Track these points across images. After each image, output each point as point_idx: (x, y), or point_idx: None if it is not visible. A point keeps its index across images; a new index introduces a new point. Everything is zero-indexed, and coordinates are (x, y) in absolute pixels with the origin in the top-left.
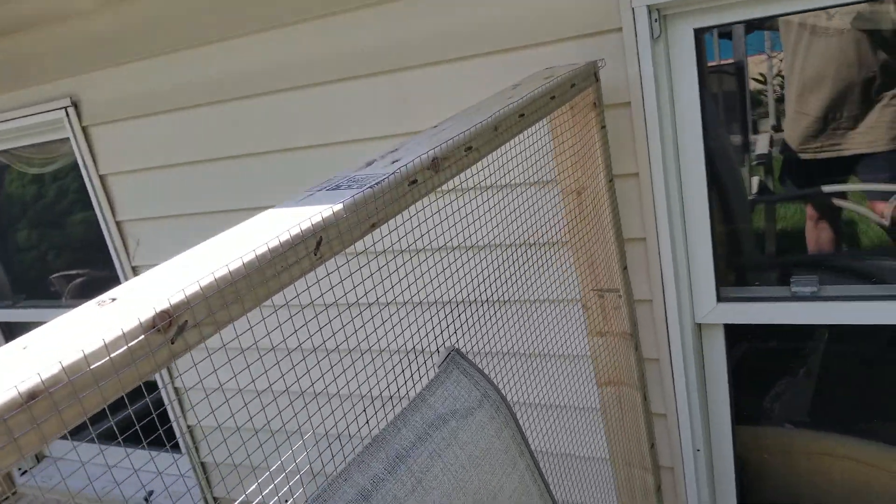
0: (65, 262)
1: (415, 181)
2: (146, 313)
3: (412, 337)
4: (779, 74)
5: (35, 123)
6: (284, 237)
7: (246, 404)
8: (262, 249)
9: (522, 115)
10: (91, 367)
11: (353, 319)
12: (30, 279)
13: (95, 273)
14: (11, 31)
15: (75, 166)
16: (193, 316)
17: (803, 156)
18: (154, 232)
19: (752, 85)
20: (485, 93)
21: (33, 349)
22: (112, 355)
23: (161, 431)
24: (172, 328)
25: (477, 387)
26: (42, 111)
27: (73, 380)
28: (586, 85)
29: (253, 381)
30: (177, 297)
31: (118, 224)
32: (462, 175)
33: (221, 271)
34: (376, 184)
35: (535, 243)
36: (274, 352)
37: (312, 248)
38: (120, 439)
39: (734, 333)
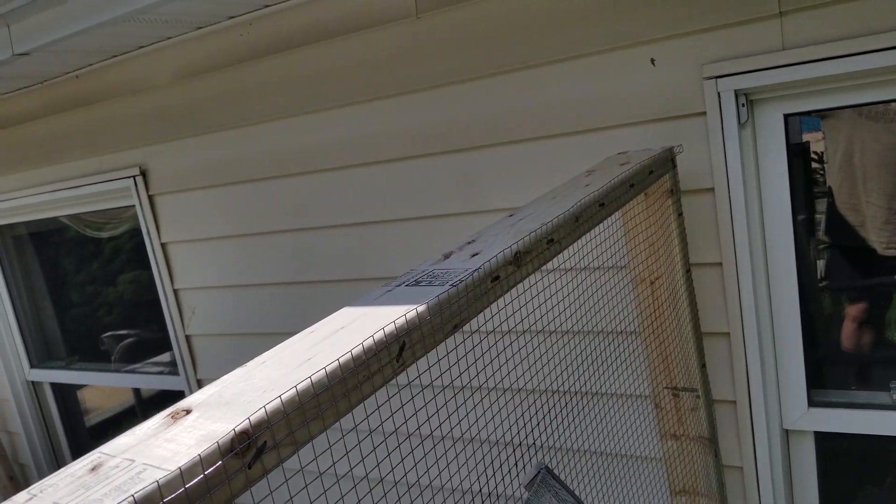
0: (116, 323)
1: (497, 277)
2: (225, 434)
3: (486, 424)
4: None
5: (104, 191)
6: (368, 343)
7: None
8: (345, 357)
9: (603, 205)
10: (164, 501)
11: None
12: (83, 339)
13: (146, 334)
14: (87, 103)
15: (136, 232)
16: (273, 436)
17: (880, 249)
18: (210, 301)
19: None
20: (555, 174)
21: (103, 471)
22: (187, 486)
23: None
24: (251, 451)
25: None
26: (112, 178)
27: None
28: (664, 171)
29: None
30: (257, 415)
31: (175, 291)
32: None
33: (303, 384)
34: (459, 281)
35: (604, 331)
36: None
37: (395, 354)
38: None
39: (825, 436)
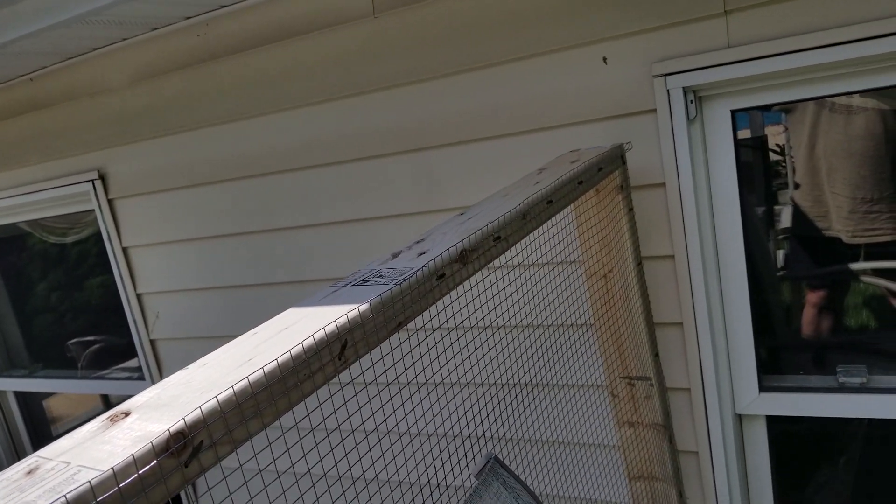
0: (82, 329)
1: (443, 275)
2: (160, 435)
3: (436, 420)
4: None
5: (62, 195)
6: (308, 342)
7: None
8: (284, 357)
9: (551, 202)
10: (98, 500)
11: (372, 400)
12: (47, 346)
13: (112, 340)
14: (43, 106)
15: (97, 236)
16: (210, 436)
17: (846, 237)
18: (173, 305)
19: (772, 157)
20: (511, 171)
21: (39, 474)
22: (121, 485)
23: None
24: (187, 450)
25: (519, 501)
26: (70, 183)
27: None
28: (613, 168)
29: (292, 466)
30: (193, 416)
31: (138, 296)
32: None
33: (241, 384)
34: (403, 280)
35: (559, 325)
36: (304, 436)
37: (337, 352)
38: None
39: (777, 420)
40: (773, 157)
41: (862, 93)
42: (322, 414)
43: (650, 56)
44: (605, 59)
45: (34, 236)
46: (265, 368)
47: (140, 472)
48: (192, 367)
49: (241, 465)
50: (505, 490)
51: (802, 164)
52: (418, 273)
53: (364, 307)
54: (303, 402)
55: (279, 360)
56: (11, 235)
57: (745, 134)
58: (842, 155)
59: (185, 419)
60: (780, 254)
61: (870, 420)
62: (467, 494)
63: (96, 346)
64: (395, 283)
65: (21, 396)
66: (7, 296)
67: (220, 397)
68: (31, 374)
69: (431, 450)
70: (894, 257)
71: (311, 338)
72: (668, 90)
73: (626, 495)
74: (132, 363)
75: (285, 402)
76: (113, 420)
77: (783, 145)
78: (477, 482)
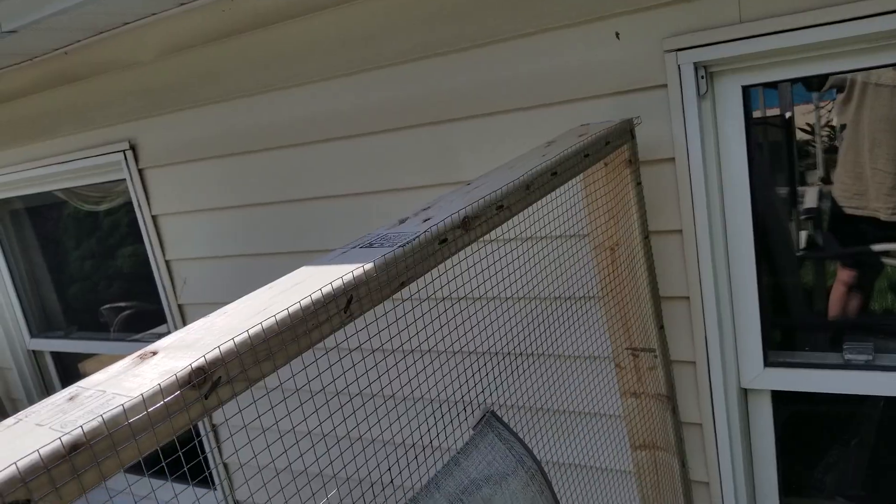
0: (115, 295)
1: (445, 240)
2: (183, 369)
3: (440, 387)
4: (828, 125)
5: (95, 165)
6: (316, 295)
7: (280, 443)
8: (294, 308)
9: (555, 174)
10: (130, 422)
11: (378, 366)
12: (81, 310)
13: (143, 306)
14: (76, 79)
15: (128, 205)
16: (227, 373)
17: (884, 215)
18: (200, 271)
19: (800, 136)
20: (525, 144)
21: (79, 399)
22: (149, 410)
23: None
24: (206, 384)
25: (512, 452)
26: (101, 153)
27: (112, 432)
28: (621, 142)
29: (293, 427)
30: (212, 354)
31: (167, 262)
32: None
33: (255, 329)
34: (407, 243)
35: (568, 297)
36: (315, 396)
37: (343, 305)
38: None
39: (783, 398)
40: (800, 135)
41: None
42: (338, 377)
43: (662, 31)
44: (617, 34)
45: (69, 205)
46: (277, 316)
47: (166, 400)
48: (212, 315)
49: (258, 416)
50: (499, 441)
51: (844, 141)
52: (421, 237)
53: (369, 266)
54: (315, 364)
55: (290, 309)
56: (47, 203)
57: (773, 111)
58: (887, 130)
59: (206, 357)
60: (802, 232)
61: (882, 401)
62: (463, 443)
63: (127, 311)
64: (399, 246)
65: (57, 358)
66: (44, 262)
67: (236, 340)
68: (67, 335)
69: (443, 415)
70: None
71: (320, 291)
72: (678, 65)
73: (629, 463)
74: (161, 329)
75: (295, 347)
76: (142, 358)
77: (813, 124)
78: (473, 433)
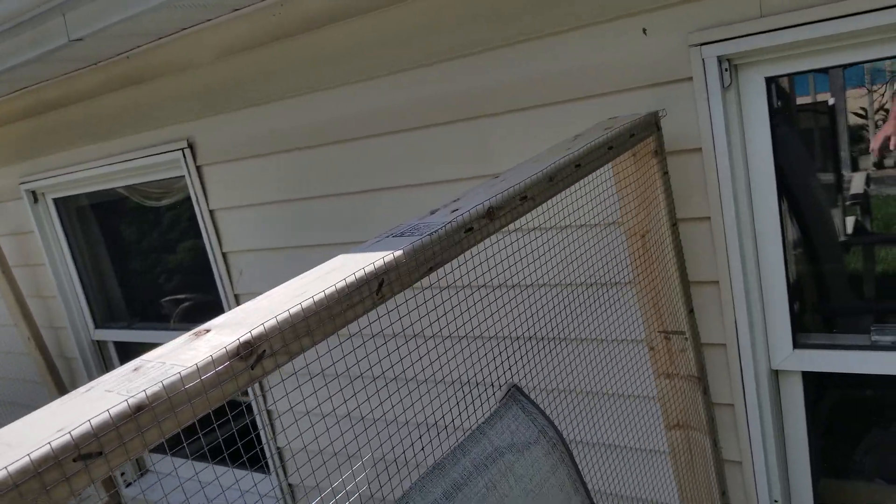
0: (174, 288)
1: (471, 229)
2: (232, 343)
3: (476, 370)
4: (882, 108)
5: (155, 163)
6: (350, 279)
7: (319, 426)
8: (330, 290)
9: (579, 166)
10: (185, 388)
11: (422, 350)
12: (143, 302)
13: (201, 298)
14: (137, 81)
15: (188, 200)
16: (270, 346)
17: None
18: (256, 262)
19: (853, 120)
20: (556, 137)
21: (143, 370)
22: (203, 377)
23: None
24: (252, 356)
25: (534, 423)
26: (161, 152)
27: (171, 397)
28: (646, 134)
29: (334, 409)
30: (257, 330)
31: (224, 255)
32: (539, 214)
33: (295, 309)
34: (434, 231)
35: (601, 283)
36: (354, 381)
37: (375, 288)
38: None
39: (818, 381)
40: (854, 120)
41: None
42: (374, 364)
43: (686, 26)
44: (644, 30)
45: (131, 201)
46: (314, 298)
47: (217, 369)
48: (258, 298)
49: (304, 400)
50: (523, 413)
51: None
52: (447, 226)
53: (398, 253)
54: (353, 351)
55: (326, 292)
56: (110, 200)
57: (805, 99)
58: None
59: (252, 332)
60: (844, 216)
61: None
62: (488, 414)
63: (186, 303)
64: (427, 235)
65: (121, 348)
66: (108, 256)
67: (278, 318)
68: (129, 326)
69: (479, 396)
70: None
71: (353, 276)
72: (703, 59)
73: (664, 443)
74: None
75: (331, 325)
76: (197, 335)
77: (866, 109)
78: (497, 405)
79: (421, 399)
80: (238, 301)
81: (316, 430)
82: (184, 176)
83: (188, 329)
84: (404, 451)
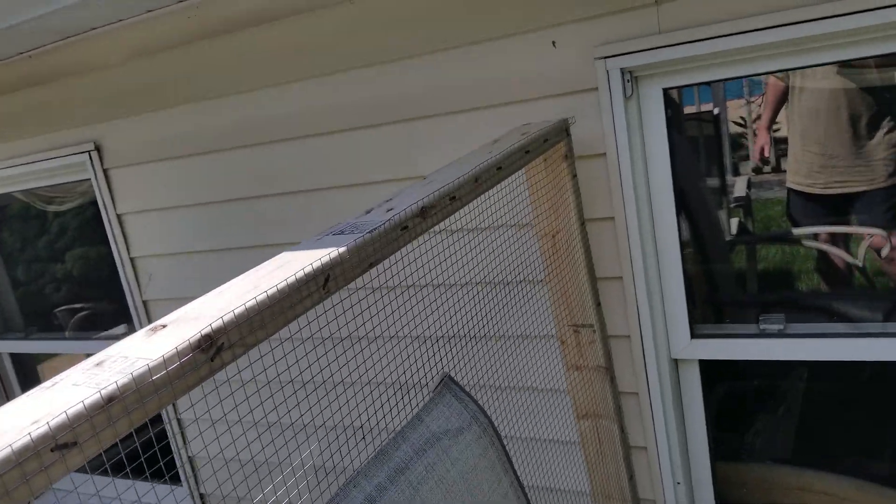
0: (74, 296)
1: (406, 227)
2: (194, 336)
3: (400, 371)
4: (759, 118)
5: (59, 166)
6: (300, 274)
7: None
8: (282, 285)
9: (500, 168)
10: (153, 378)
11: (343, 354)
12: (40, 312)
13: (100, 307)
14: (42, 81)
15: (90, 204)
16: (228, 339)
17: (810, 190)
18: (165, 267)
19: (734, 129)
20: (476, 141)
21: (106, 364)
22: (168, 369)
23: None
24: (213, 348)
25: (466, 409)
26: (67, 154)
27: (139, 388)
28: (558, 139)
29: (251, 411)
30: (217, 324)
31: (132, 260)
32: (451, 218)
33: (251, 303)
34: (374, 230)
35: (517, 282)
36: (269, 386)
37: (321, 283)
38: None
39: (714, 370)
40: (733, 128)
41: (777, 72)
42: (302, 336)
43: (592, 40)
44: (553, 43)
45: (27, 205)
46: (268, 293)
47: (181, 360)
48: (209, 295)
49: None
50: (456, 400)
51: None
52: (385, 225)
53: (342, 249)
54: (290, 340)
55: (278, 286)
56: (6, 205)
57: (692, 109)
58: (812, 119)
59: (212, 325)
60: (729, 217)
61: (807, 373)
62: (422, 403)
63: (84, 312)
64: (367, 232)
65: (17, 360)
66: (2, 263)
67: (236, 312)
68: (26, 336)
69: (404, 398)
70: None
71: (302, 271)
72: (607, 71)
73: (575, 434)
74: (119, 329)
75: (283, 318)
76: (153, 330)
77: (745, 118)
78: (432, 394)
79: (348, 403)
80: (147, 307)
81: (237, 443)
82: (89, 179)
83: (91, 337)
84: (331, 456)
